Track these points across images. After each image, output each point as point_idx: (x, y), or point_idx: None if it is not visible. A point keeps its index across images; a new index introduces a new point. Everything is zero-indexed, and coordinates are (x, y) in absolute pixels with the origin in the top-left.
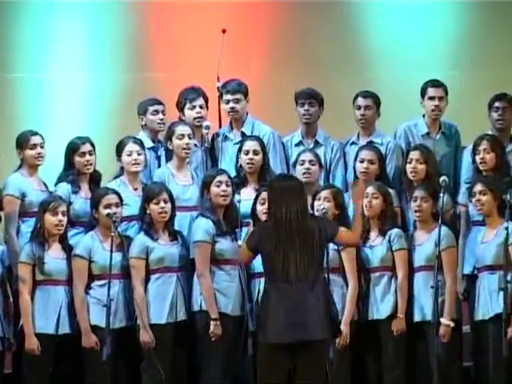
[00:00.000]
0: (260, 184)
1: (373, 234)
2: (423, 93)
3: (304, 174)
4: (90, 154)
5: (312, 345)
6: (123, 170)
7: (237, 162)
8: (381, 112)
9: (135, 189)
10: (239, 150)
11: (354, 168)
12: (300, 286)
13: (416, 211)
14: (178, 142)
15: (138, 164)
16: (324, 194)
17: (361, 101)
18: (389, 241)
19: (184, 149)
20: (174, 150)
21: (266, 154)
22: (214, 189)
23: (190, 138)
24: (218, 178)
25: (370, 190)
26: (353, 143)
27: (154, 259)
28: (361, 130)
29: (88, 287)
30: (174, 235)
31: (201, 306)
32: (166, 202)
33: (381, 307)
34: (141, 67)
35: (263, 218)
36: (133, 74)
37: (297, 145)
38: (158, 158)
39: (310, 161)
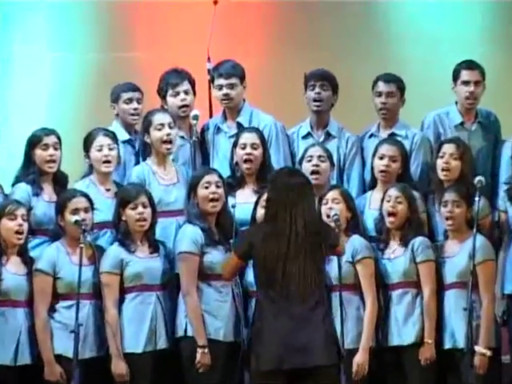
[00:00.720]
0: (260, 185)
1: (393, 244)
2: (456, 76)
3: (312, 173)
4: (55, 149)
5: (316, 373)
6: (92, 168)
7: (232, 158)
8: (405, 99)
9: (107, 190)
10: (234, 144)
11: (372, 166)
12: (302, 303)
13: (447, 218)
14: (156, 134)
15: (110, 162)
16: (332, 195)
17: (382, 86)
18: (412, 251)
19: (165, 142)
20: (152, 144)
21: (266, 149)
22: (201, 191)
23: (170, 128)
24: (206, 179)
25: (393, 192)
26: (372, 136)
27: (129, 275)
28: (381, 121)
29: (52, 309)
30: (155, 246)
31: (186, 331)
32: (144, 206)
33: (403, 331)
34: (118, 46)
35: None
36: (108, 54)
37: (304, 137)
38: (136, 153)
39: (320, 156)
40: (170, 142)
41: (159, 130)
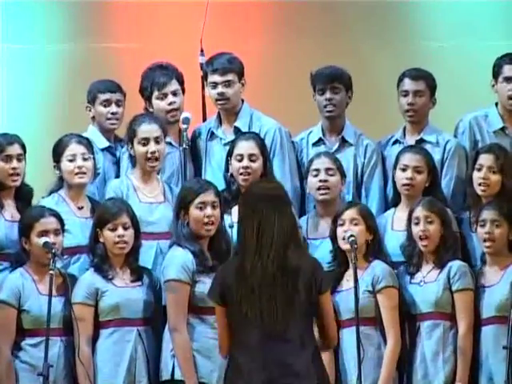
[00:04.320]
0: None
1: (426, 267)
2: (497, 72)
3: (319, 188)
4: (19, 160)
5: None
6: (63, 181)
7: (226, 169)
8: (436, 99)
9: (79, 208)
10: (229, 153)
11: (394, 178)
12: (279, 345)
13: (484, 240)
14: (139, 150)
15: (84, 173)
16: (349, 214)
17: (408, 83)
18: (448, 277)
19: (149, 159)
20: (136, 158)
21: (267, 159)
22: (194, 212)
23: (157, 143)
24: (201, 198)
25: (421, 213)
26: (396, 142)
27: (106, 307)
28: (408, 125)
29: (17, 347)
30: (138, 274)
31: (173, 374)
32: (125, 227)
33: (431, 372)
34: (96, 36)
35: None
36: (84, 45)
37: (315, 144)
38: (117, 162)
39: (328, 169)
40: (156, 159)
41: (143, 144)
